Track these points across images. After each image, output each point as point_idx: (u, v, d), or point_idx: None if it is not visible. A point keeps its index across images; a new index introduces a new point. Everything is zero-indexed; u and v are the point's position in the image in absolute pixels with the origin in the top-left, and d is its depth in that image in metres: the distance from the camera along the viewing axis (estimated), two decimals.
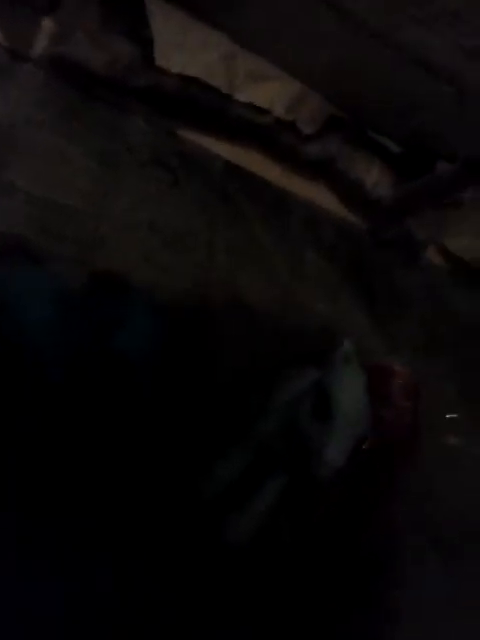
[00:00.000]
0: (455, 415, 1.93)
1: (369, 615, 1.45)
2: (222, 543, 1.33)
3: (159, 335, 1.26)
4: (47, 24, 1.80)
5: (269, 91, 1.98)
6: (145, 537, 1.23)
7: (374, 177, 2.16)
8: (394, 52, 1.85)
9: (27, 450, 1.15)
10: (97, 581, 1.13)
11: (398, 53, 1.85)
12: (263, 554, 1.35)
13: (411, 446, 1.41)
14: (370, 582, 1.47)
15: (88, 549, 1.15)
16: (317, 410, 1.16)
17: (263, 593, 1.32)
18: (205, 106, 1.96)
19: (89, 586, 1.11)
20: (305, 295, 1.95)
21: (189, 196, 1.92)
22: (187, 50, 1.85)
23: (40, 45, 1.80)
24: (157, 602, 1.17)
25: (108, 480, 1.23)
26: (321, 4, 1.78)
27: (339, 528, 1.39)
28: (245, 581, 1.31)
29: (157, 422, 1.33)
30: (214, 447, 1.40)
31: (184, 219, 1.87)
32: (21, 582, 1.06)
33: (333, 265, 2.10)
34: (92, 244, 1.66)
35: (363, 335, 1.95)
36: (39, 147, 1.73)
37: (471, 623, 1.57)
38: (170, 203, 1.87)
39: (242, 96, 1.95)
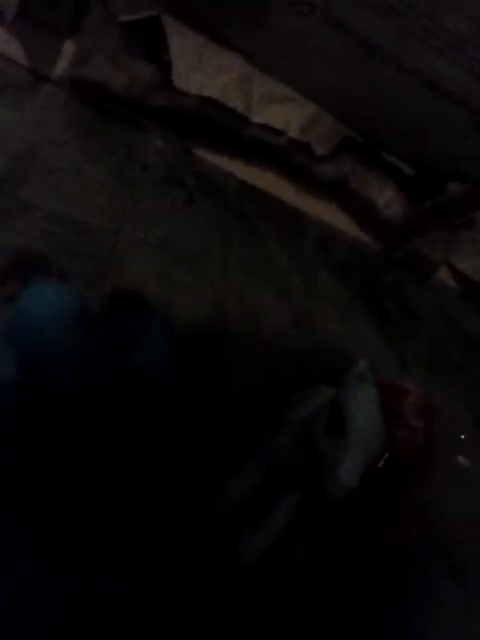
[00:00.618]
0: (465, 436, 1.93)
1: (381, 633, 1.43)
2: (234, 561, 1.33)
3: (176, 352, 1.27)
4: (68, 46, 1.85)
5: (284, 113, 2.01)
6: (148, 542, 1.23)
7: (387, 198, 2.19)
8: (406, 76, 1.88)
9: (37, 460, 1.16)
10: (97, 582, 1.13)
11: (410, 77, 1.89)
12: (275, 573, 1.34)
13: (424, 466, 1.41)
14: (382, 601, 1.46)
15: (88, 550, 1.15)
16: (331, 428, 1.16)
17: (265, 600, 1.31)
18: (221, 126, 2.00)
19: (89, 587, 1.11)
20: (318, 314, 1.96)
21: (204, 214, 1.95)
22: (204, 72, 1.89)
23: (61, 66, 1.85)
24: (157, 604, 1.17)
25: (115, 487, 1.24)
26: (334, 29, 1.82)
27: (352, 547, 1.39)
28: (249, 590, 1.31)
29: (172, 438, 1.34)
30: (227, 464, 1.40)
31: (199, 237, 1.89)
32: (21, 583, 1.06)
33: (346, 284, 2.12)
34: (108, 261, 1.69)
35: (375, 354, 1.96)
36: (58, 165, 1.77)
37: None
38: (185, 221, 1.89)
39: (258, 117, 1.98)
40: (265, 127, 2.01)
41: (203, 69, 1.89)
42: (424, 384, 1.78)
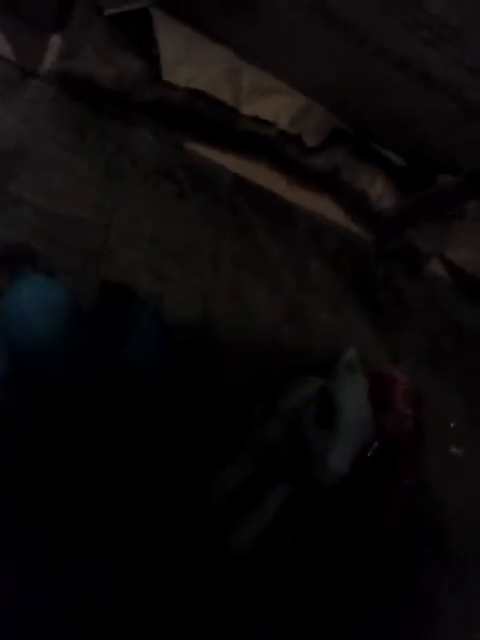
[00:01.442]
0: (456, 424, 1.93)
1: (371, 623, 1.44)
2: (226, 551, 1.33)
3: (166, 345, 1.27)
4: (55, 41, 1.84)
5: (274, 104, 2.01)
6: (146, 540, 1.24)
7: (378, 189, 2.18)
8: (397, 67, 1.88)
9: (30, 455, 1.16)
10: (97, 582, 1.13)
11: (401, 68, 1.88)
12: (267, 562, 1.35)
13: (414, 453, 1.42)
14: (374, 590, 1.47)
15: (88, 550, 1.15)
16: (321, 417, 1.16)
17: (265, 599, 1.32)
18: (211, 119, 2.00)
19: (89, 587, 1.12)
20: (310, 306, 1.96)
21: (194, 208, 1.95)
22: (193, 64, 1.88)
23: (49, 61, 1.84)
24: (157, 604, 1.18)
25: (111, 484, 1.24)
26: (325, 19, 1.82)
27: (343, 535, 1.39)
28: (248, 588, 1.31)
29: (163, 431, 1.34)
30: (219, 456, 1.40)
31: (189, 231, 1.89)
32: (21, 583, 1.06)
33: (337, 276, 2.12)
34: (98, 254, 1.69)
35: (367, 345, 1.96)
36: (47, 160, 1.76)
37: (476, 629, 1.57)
38: (176, 214, 1.89)
39: (247, 109, 1.98)
40: (255, 119, 2.00)
41: (192, 62, 1.88)
42: (416, 375, 1.78)
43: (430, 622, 1.52)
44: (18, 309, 1.19)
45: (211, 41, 1.91)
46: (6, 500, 1.12)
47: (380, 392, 1.29)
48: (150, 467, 1.31)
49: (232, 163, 2.09)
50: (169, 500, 1.34)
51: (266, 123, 2.03)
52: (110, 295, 1.30)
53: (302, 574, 1.38)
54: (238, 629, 1.25)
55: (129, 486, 1.27)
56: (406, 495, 1.44)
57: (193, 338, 1.64)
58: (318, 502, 1.35)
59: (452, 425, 1.93)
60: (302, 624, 1.33)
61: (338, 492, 1.19)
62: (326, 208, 2.21)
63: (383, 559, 1.52)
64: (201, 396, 1.53)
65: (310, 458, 1.17)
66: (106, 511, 1.21)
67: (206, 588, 1.26)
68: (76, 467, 1.19)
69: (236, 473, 1.39)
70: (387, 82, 1.93)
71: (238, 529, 1.37)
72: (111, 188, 1.84)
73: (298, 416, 1.24)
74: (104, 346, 1.11)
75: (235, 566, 1.33)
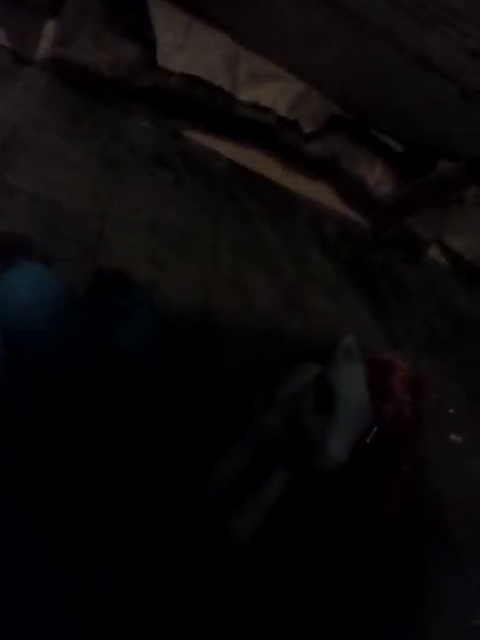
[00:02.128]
0: (455, 411, 1.92)
1: (372, 610, 1.44)
2: (226, 539, 1.33)
3: (160, 332, 1.27)
4: (50, 27, 1.82)
5: (271, 91, 1.99)
6: (145, 534, 1.23)
7: (376, 175, 2.17)
8: (396, 51, 1.86)
9: (28, 447, 1.15)
10: (97, 578, 1.13)
11: (400, 52, 1.86)
12: (267, 550, 1.35)
13: (413, 439, 1.41)
14: (374, 578, 1.47)
15: (88, 546, 1.15)
16: (319, 403, 1.16)
17: (267, 590, 1.31)
18: (208, 106, 1.98)
19: (89, 583, 1.11)
20: (308, 293, 1.95)
21: (192, 195, 1.94)
22: (189, 50, 1.86)
23: (43, 48, 1.82)
24: (157, 599, 1.17)
25: (109, 477, 1.24)
26: (322, 3, 1.80)
27: (343, 524, 1.39)
28: (249, 577, 1.31)
29: (160, 419, 1.34)
30: (218, 445, 1.40)
31: (187, 218, 1.88)
32: (21, 580, 1.06)
33: (336, 264, 2.11)
34: (96, 243, 1.67)
35: (366, 333, 1.95)
36: (43, 149, 1.75)
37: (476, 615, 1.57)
38: (174, 202, 1.88)
39: (244, 95, 1.96)
40: (252, 105, 1.99)
41: (188, 48, 1.86)
42: (416, 361, 1.78)
43: (430, 608, 1.52)
44: (12, 297, 1.19)
45: (208, 27, 1.89)
46: (4, 496, 1.12)
47: (379, 379, 1.29)
48: (147, 455, 1.30)
49: (229, 150, 2.08)
50: (167, 489, 1.34)
51: (264, 109, 2.01)
52: (105, 282, 1.29)
53: (303, 564, 1.38)
54: (239, 621, 1.25)
55: (126, 476, 1.26)
56: (405, 482, 1.43)
57: (192, 326, 1.63)
58: (318, 490, 1.34)
59: (451, 411, 1.93)
60: (302, 616, 1.33)
61: (337, 479, 1.19)
62: (324, 195, 2.20)
63: (383, 547, 1.52)
64: (200, 383, 1.52)
65: (309, 445, 1.16)
66: (104, 504, 1.20)
67: (206, 581, 1.26)
68: (73, 458, 1.18)
69: (234, 461, 1.38)
70: (386, 67, 1.92)
71: (237, 518, 1.36)
72: (108, 176, 1.83)
73: (296, 404, 1.24)
74: (98, 333, 1.11)
75: (235, 556, 1.32)
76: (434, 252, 2.35)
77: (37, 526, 1.13)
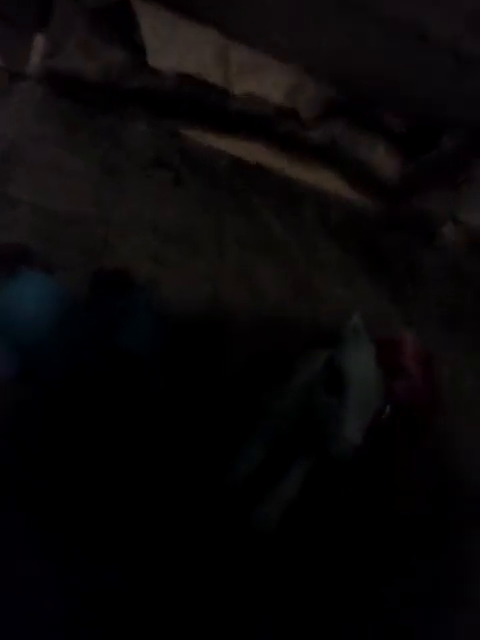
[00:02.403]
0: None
1: (404, 587, 1.40)
2: (251, 531, 1.31)
3: (162, 330, 1.26)
4: (39, 40, 1.84)
5: (265, 81, 1.97)
6: (153, 538, 1.21)
7: (380, 157, 2.12)
8: (388, 24, 1.82)
9: (35, 453, 1.15)
10: (104, 582, 1.12)
11: (392, 25, 1.82)
12: (292, 539, 1.33)
13: (429, 415, 1.37)
14: (408, 557, 1.43)
15: (96, 549, 1.14)
16: (329, 386, 1.13)
17: (292, 577, 1.29)
18: (203, 103, 1.97)
19: (96, 587, 1.10)
20: (319, 281, 1.92)
21: (194, 194, 1.92)
22: (178, 48, 1.86)
23: (34, 61, 1.84)
24: (164, 603, 1.15)
25: (117, 479, 1.23)
26: None
27: (367, 506, 1.36)
28: (275, 567, 1.29)
29: (169, 416, 1.33)
30: (234, 438, 1.38)
31: (190, 217, 1.87)
32: (28, 584, 1.06)
33: (347, 250, 2.07)
34: (100, 250, 1.68)
35: (382, 317, 1.90)
36: (42, 160, 1.77)
37: None
38: (175, 202, 1.87)
39: (238, 89, 1.94)
40: (248, 98, 1.97)
41: (177, 45, 1.86)
42: (433, 343, 1.72)
43: (466, 588, 1.48)
44: (17, 308, 1.19)
45: (195, 23, 1.88)
46: (12, 500, 1.12)
47: (389, 357, 1.25)
48: (157, 453, 1.29)
49: (228, 145, 2.06)
50: (183, 486, 1.32)
51: (259, 101, 1.99)
52: (105, 283, 1.29)
53: (327, 550, 1.35)
54: (263, 614, 1.22)
55: (135, 476, 1.25)
56: (425, 458, 1.40)
57: (202, 320, 1.63)
58: (336, 475, 1.31)
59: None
60: (332, 603, 1.30)
61: (356, 461, 1.16)
62: (329, 182, 2.16)
63: (415, 527, 1.48)
64: (212, 377, 1.51)
65: (324, 429, 1.14)
66: (113, 510, 1.19)
67: (229, 574, 1.24)
68: (81, 460, 1.18)
69: (251, 454, 1.36)
70: (379, 44, 1.87)
71: (260, 509, 1.35)
72: (108, 183, 1.83)
73: (310, 391, 1.21)
74: (99, 334, 1.10)
75: (260, 547, 1.30)
76: (449, 231, 2.28)
77: (45, 530, 1.12)
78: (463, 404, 1.77)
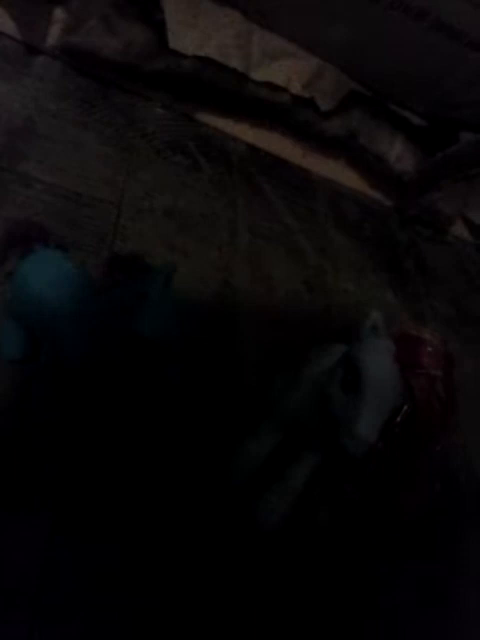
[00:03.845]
0: None
1: (409, 594, 1.40)
2: (256, 527, 1.30)
3: (181, 316, 1.24)
4: (59, 14, 1.80)
5: (285, 69, 1.94)
6: (156, 529, 1.20)
7: (397, 151, 2.10)
8: (413, 18, 1.79)
9: (50, 439, 1.14)
10: (104, 569, 1.10)
11: (417, 19, 1.79)
12: (299, 536, 1.32)
13: (446, 415, 1.36)
14: (410, 556, 1.43)
15: (97, 538, 1.12)
16: (346, 383, 1.12)
17: (297, 574, 1.28)
18: (222, 88, 1.94)
19: (96, 574, 1.09)
20: (331, 273, 1.91)
21: (208, 179, 1.91)
22: (200, 31, 1.82)
23: (53, 36, 1.80)
24: (167, 598, 1.14)
25: (125, 471, 1.21)
26: None
27: (377, 505, 1.35)
28: (279, 564, 1.28)
29: (182, 405, 1.31)
30: (243, 429, 1.37)
31: (204, 203, 1.85)
32: (39, 573, 1.04)
33: (359, 244, 2.06)
34: (112, 231, 1.66)
35: (392, 313, 1.90)
36: (58, 138, 1.73)
37: None
38: (190, 187, 1.85)
39: (258, 75, 1.91)
40: (267, 85, 1.94)
41: (199, 28, 1.82)
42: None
43: (469, 587, 1.48)
44: (31, 287, 1.17)
45: (219, 5, 1.85)
46: (24, 487, 1.10)
47: (408, 354, 1.23)
48: (170, 441, 1.28)
49: (245, 132, 2.04)
50: (192, 475, 1.31)
51: (278, 89, 1.96)
52: (121, 267, 1.26)
53: (336, 550, 1.34)
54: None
55: (145, 465, 1.23)
56: (439, 461, 1.39)
57: (213, 309, 1.61)
58: (348, 472, 1.30)
59: None
60: (338, 602, 1.30)
61: (368, 461, 1.14)
62: (344, 174, 2.15)
63: (417, 527, 1.48)
64: (222, 368, 1.50)
65: (337, 427, 1.12)
66: (115, 499, 1.18)
67: (234, 570, 1.23)
68: (93, 448, 1.16)
69: (259, 446, 1.35)
70: (403, 36, 1.85)
71: (265, 504, 1.33)
72: (122, 164, 1.81)
73: (322, 384, 1.20)
74: (116, 319, 1.07)
75: (264, 543, 1.29)
76: (460, 228, 2.28)
77: (58, 522, 1.11)
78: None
